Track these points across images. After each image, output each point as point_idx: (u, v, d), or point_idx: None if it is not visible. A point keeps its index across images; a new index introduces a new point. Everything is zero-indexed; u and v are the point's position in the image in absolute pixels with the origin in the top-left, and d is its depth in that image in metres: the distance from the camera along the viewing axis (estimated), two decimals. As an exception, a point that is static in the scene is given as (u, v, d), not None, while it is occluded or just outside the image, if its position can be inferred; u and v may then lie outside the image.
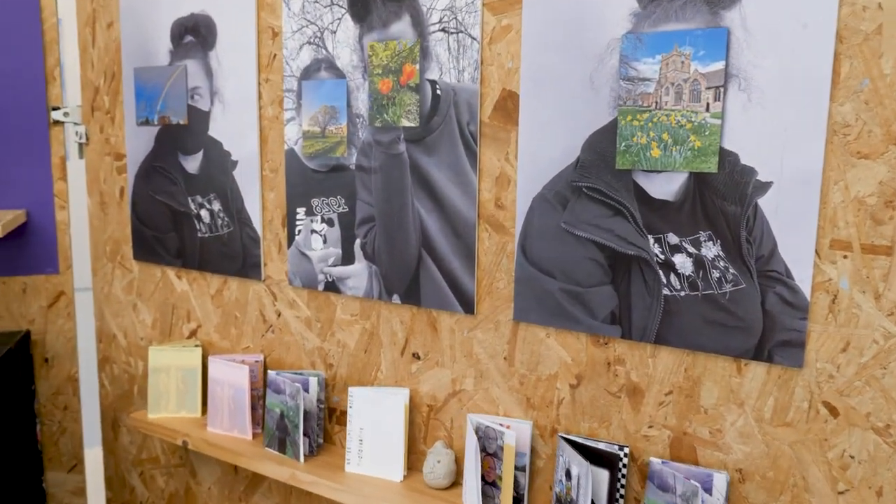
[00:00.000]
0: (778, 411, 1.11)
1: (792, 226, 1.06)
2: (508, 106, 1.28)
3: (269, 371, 1.58)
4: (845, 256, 1.04)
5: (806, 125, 1.03)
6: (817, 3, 1.00)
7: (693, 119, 1.11)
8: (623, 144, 1.17)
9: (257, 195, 1.63)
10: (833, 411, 1.07)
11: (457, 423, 1.44)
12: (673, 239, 1.15)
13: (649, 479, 1.19)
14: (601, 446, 1.23)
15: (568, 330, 1.27)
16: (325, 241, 1.54)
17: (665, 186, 1.15)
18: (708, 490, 1.13)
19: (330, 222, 1.53)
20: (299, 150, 1.55)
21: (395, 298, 1.46)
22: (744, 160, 1.08)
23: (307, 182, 1.55)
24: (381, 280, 1.48)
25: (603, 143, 1.19)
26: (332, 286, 1.55)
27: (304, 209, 1.56)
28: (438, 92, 1.35)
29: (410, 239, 1.42)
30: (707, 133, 1.10)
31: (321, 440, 1.57)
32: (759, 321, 1.10)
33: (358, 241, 1.49)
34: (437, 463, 1.40)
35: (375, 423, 1.46)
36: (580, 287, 1.24)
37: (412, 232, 1.41)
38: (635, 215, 1.18)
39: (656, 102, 1.13)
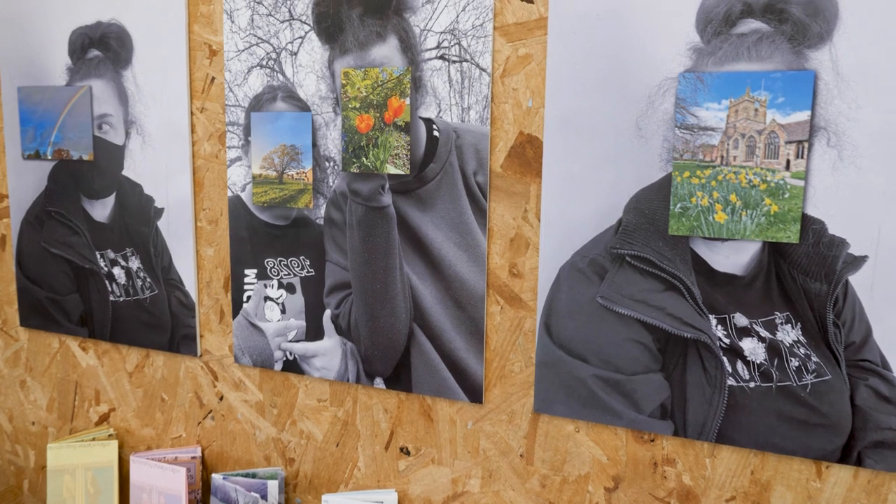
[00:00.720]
0: (867, 522, 0.95)
1: (891, 308, 0.89)
2: (528, 153, 1.05)
3: (214, 475, 1.26)
4: (954, 344, 0.88)
5: (911, 190, 0.86)
6: (928, 47, 0.84)
7: (769, 179, 0.92)
8: (679, 206, 0.96)
9: (190, 251, 1.31)
10: (935, 522, 0.92)
11: (458, 531, 1.19)
12: (741, 320, 0.96)
13: None
14: (649, 564, 1.02)
15: (603, 424, 1.06)
16: (283, 311, 1.25)
17: (732, 258, 0.96)
18: None
19: (290, 288, 1.24)
20: (248, 198, 1.25)
21: (378, 382, 1.19)
22: (832, 229, 0.90)
23: (259, 238, 1.25)
24: (358, 360, 1.20)
25: (653, 204, 0.98)
26: (294, 366, 1.25)
27: (254, 271, 1.26)
28: (436, 133, 1.09)
29: (398, 311, 1.15)
30: (786, 196, 0.91)
31: (281, 552, 1.28)
32: (848, 418, 0.93)
33: (328, 313, 1.21)
34: (438, 584, 1.15)
35: (357, 536, 1.19)
36: (621, 374, 1.03)
37: (401, 303, 1.15)
38: (693, 291, 0.98)
39: (722, 157, 0.94)
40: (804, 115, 0.89)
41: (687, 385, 1.00)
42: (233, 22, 1.21)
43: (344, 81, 1.13)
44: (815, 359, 0.93)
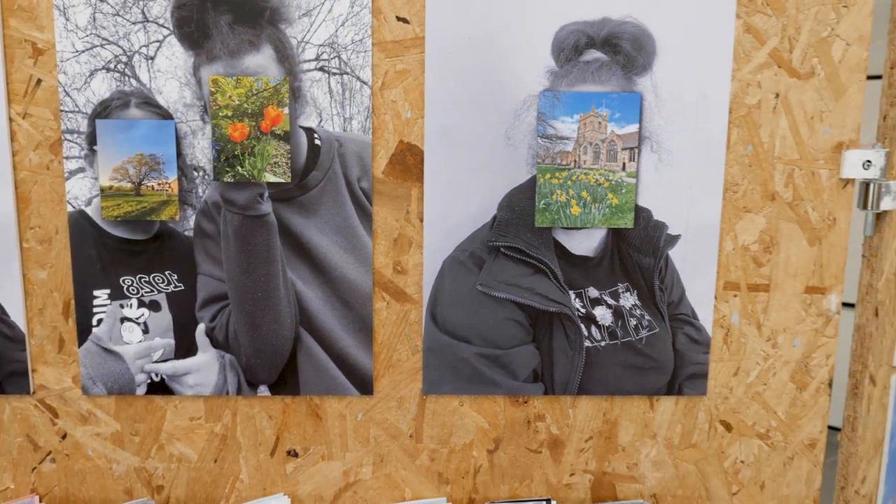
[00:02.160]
0: (685, 436, 1.24)
1: (696, 273, 1.19)
2: (408, 160, 1.15)
3: (75, 518, 1.14)
4: (735, 295, 1.20)
5: (707, 184, 1.16)
6: (714, 77, 1.13)
7: (611, 178, 1.15)
8: (542, 202, 1.15)
9: (16, 276, 1.15)
10: (728, 427, 1.24)
11: (351, 520, 1.25)
12: (593, 293, 1.19)
13: (585, 528, 1.22)
14: (531, 506, 1.21)
15: (485, 395, 1.21)
16: (145, 331, 1.17)
17: (585, 243, 1.17)
18: (646, 524, 1.21)
19: (154, 306, 1.17)
20: (95, 213, 1.14)
21: (263, 390, 1.19)
22: (656, 216, 1.17)
23: (111, 255, 1.15)
24: (238, 371, 1.19)
25: (521, 202, 1.15)
26: (160, 388, 1.19)
27: (106, 291, 1.16)
28: (317, 142, 1.13)
29: (282, 317, 1.17)
30: (623, 191, 1.15)
31: (155, 587, 1.21)
32: (671, 360, 1.21)
33: (202, 327, 1.17)
34: (341, 573, 1.20)
35: (252, 547, 1.18)
36: (500, 349, 1.19)
37: (285, 308, 1.17)
38: (556, 272, 1.18)
39: (575, 161, 1.14)
40: (634, 128, 1.14)
41: (553, 351, 1.20)
42: (67, 19, 1.09)
43: (213, 89, 1.11)
44: (647, 317, 1.20)
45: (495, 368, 1.20)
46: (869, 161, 1.15)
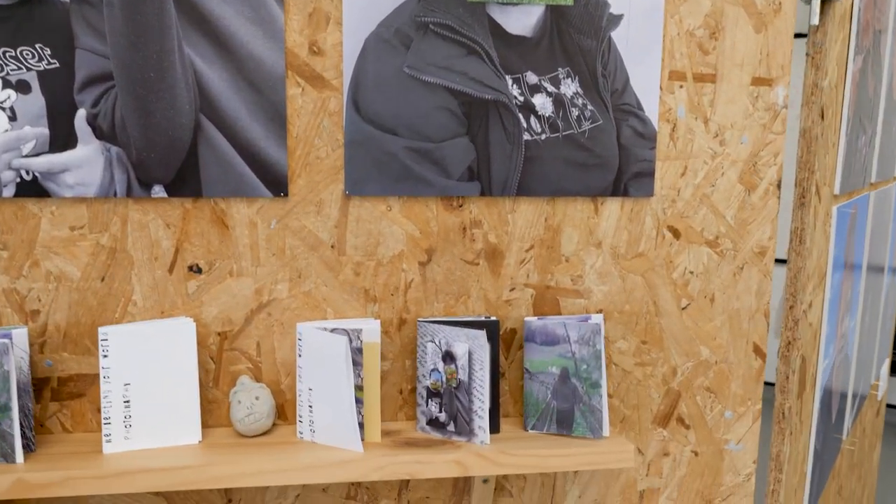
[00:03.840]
0: (631, 244, 1.15)
1: (640, 59, 1.10)
2: (323, -80, 1.01)
3: (-76, 336, 0.95)
4: (681, 86, 1.12)
5: (650, -43, 1.08)
6: None
7: (548, -54, 1.05)
8: (475, -28, 1.04)
9: None
10: (676, 233, 1.16)
11: (265, 347, 1.10)
12: (532, 78, 1.08)
13: (528, 341, 1.11)
14: (468, 320, 1.09)
15: (415, 197, 1.09)
16: (12, 118, 0.99)
17: (522, 20, 1.07)
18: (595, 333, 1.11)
19: (22, 87, 0.99)
20: (-55, -30, 0.95)
21: (158, 191, 1.03)
22: (597, -8, 1.07)
23: (-33, 23, 0.96)
24: (128, 167, 1.02)
25: (451, -30, 1.04)
26: (34, 187, 1.00)
27: (-38, 68, 0.97)
28: None
29: (179, 102, 1.01)
30: (562, -38, 1.06)
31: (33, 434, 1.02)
32: (616, 156, 1.12)
33: (82, 113, 1.00)
34: (255, 400, 1.04)
35: (147, 372, 1.01)
36: (431, 143, 1.07)
37: (182, 92, 1.01)
38: (491, 54, 1.06)
39: (510, -75, 1.04)
40: None
41: (490, 145, 1.09)
42: None
43: None
44: (590, 107, 1.10)
45: (426, 164, 1.07)
46: (813, -62, 1.10)
